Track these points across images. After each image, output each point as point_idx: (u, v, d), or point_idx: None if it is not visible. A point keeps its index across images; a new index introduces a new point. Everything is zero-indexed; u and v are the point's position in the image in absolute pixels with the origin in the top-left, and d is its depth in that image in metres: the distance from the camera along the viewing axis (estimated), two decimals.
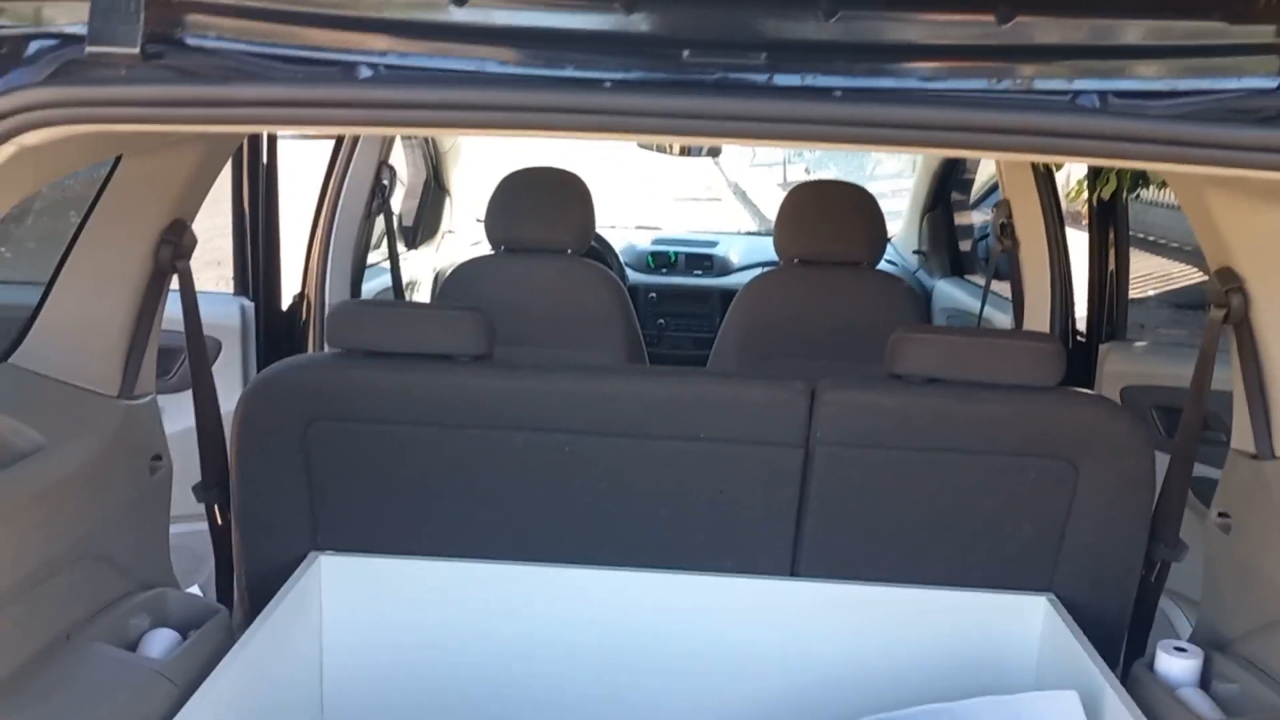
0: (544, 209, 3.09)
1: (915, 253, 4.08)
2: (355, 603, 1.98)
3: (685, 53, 0.92)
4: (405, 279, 3.40)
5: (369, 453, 1.94)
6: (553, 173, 3.14)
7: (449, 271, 3.38)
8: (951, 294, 3.74)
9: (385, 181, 2.95)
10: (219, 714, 1.55)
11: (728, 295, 3.42)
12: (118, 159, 1.66)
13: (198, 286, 1.87)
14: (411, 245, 3.94)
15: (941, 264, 3.92)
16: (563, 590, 1.95)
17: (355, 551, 1.97)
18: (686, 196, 8.85)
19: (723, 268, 4.13)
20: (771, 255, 3.44)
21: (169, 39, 0.86)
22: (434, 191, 4.00)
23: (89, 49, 0.84)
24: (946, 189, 3.93)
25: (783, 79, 0.96)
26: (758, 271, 3.60)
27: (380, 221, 3.13)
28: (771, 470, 1.89)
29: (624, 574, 1.93)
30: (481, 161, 4.45)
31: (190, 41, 0.87)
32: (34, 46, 0.88)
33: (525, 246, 3.08)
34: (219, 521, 2.00)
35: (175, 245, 1.75)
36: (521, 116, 0.91)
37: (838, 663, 1.92)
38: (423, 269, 3.81)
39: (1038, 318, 2.81)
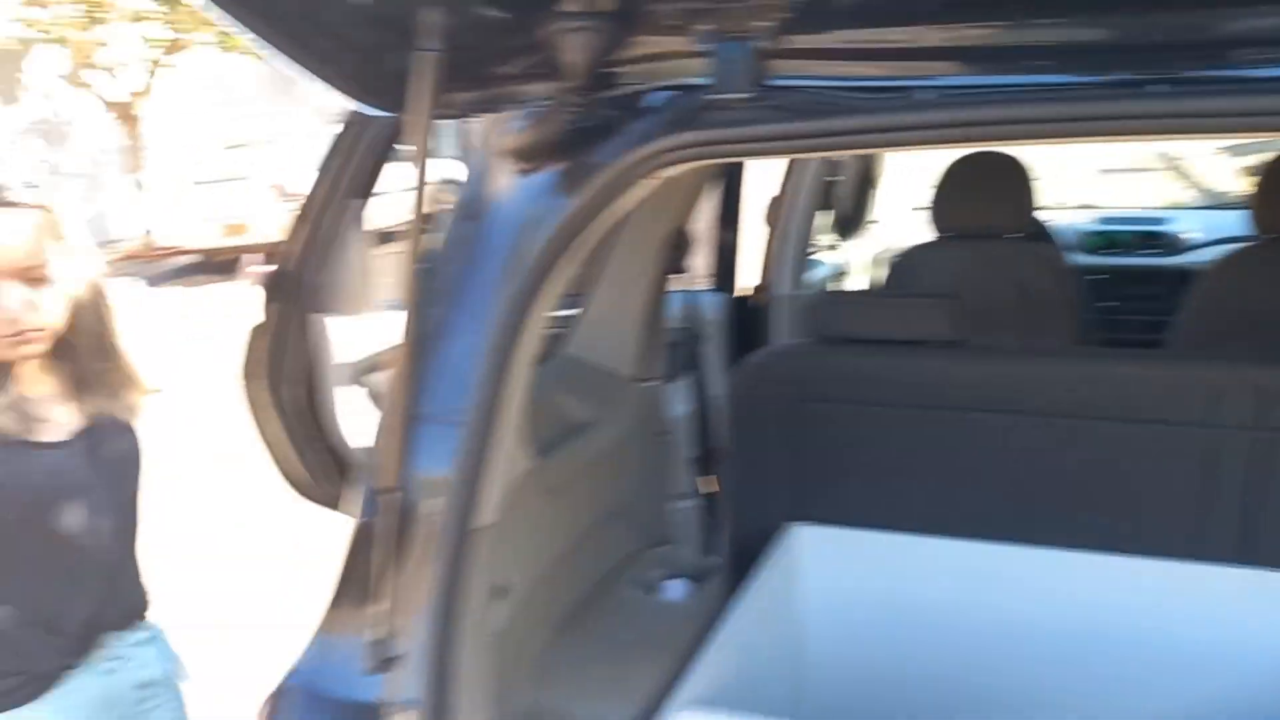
0: (985, 193, 3.10)
1: None
2: (833, 573, 2.15)
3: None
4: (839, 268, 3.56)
5: (847, 432, 2.10)
6: (993, 156, 3.14)
7: (886, 258, 3.48)
8: None
9: (831, 179, 3.11)
10: (726, 654, 1.78)
11: (1184, 275, 3.24)
12: None
13: None
14: (845, 236, 4.09)
15: None
16: (1036, 571, 1.99)
17: (833, 524, 2.14)
18: (1112, 168, 8.29)
19: (1174, 245, 3.89)
20: (1232, 230, 3.21)
21: (770, 84, 1.04)
22: (862, 182, 4.12)
23: (706, 97, 1.04)
24: None
25: None
26: (1220, 250, 3.37)
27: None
28: (1225, 454, 1.83)
29: (1081, 556, 1.94)
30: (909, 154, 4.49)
31: (784, 84, 1.05)
32: (655, 99, 1.11)
33: (968, 231, 3.11)
34: (712, 491, 2.26)
35: (679, 247, 2.02)
36: (1070, 126, 1.01)
37: None
38: (853, 258, 3.95)
39: None
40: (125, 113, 14.63)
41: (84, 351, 1.56)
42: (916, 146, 0.97)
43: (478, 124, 1.24)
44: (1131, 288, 3.79)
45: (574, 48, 1.03)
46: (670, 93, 1.10)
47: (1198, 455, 1.88)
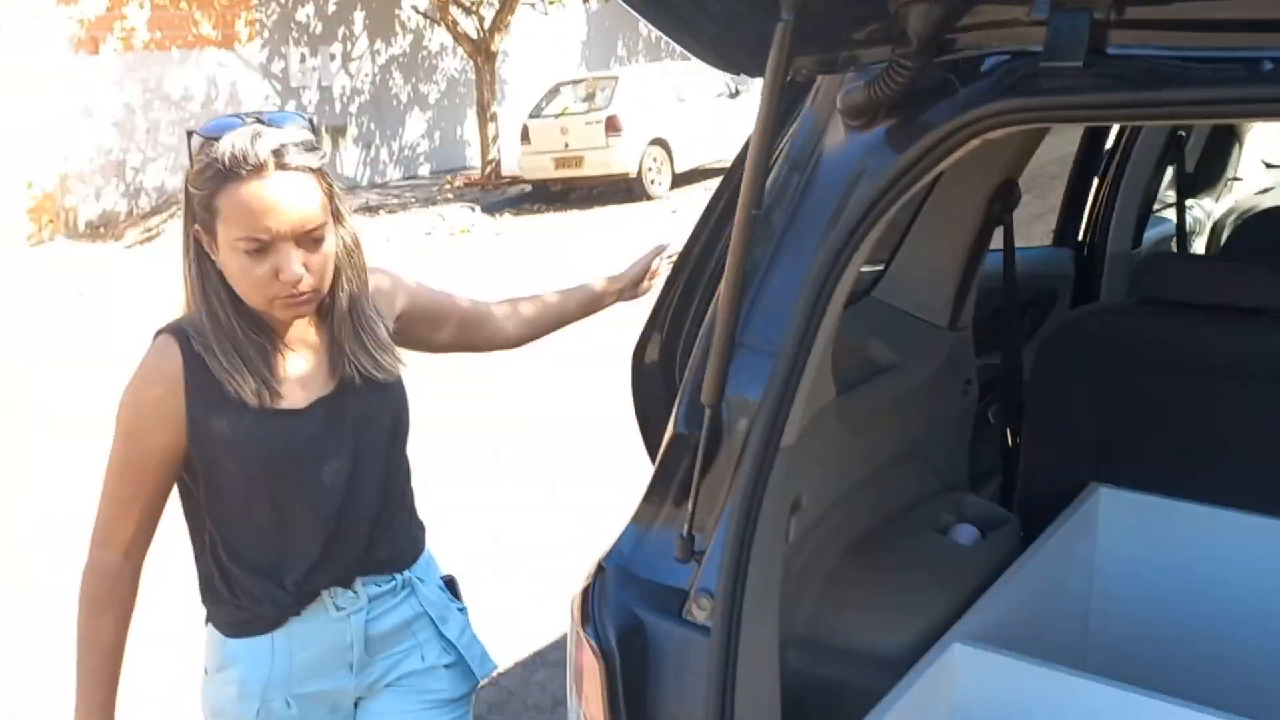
0: None
1: None
2: (1130, 536, 2.12)
3: None
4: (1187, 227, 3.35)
5: (1161, 399, 2.05)
6: None
7: (1234, 219, 3.26)
8: None
9: (1182, 133, 2.95)
10: (1011, 599, 1.82)
11: None
12: None
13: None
14: (1190, 193, 3.83)
15: None
16: None
17: (1135, 489, 2.11)
18: None
19: None
20: None
21: (1102, 52, 1.07)
22: (1222, 137, 3.83)
23: (1043, 64, 1.09)
24: None
25: None
26: None
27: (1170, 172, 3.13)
28: None
29: None
30: None
31: (1117, 53, 1.08)
32: (992, 63, 1.17)
33: None
34: (1010, 443, 2.28)
35: (1005, 201, 2.03)
36: None
37: None
38: (1202, 220, 3.70)
39: None
40: (482, 48, 15.73)
41: (340, 315, 1.58)
42: (1254, 119, 0.97)
43: (818, 83, 1.35)
44: None
45: (917, 15, 1.11)
46: (1004, 59, 1.16)
47: None
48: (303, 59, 17.10)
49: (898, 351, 1.96)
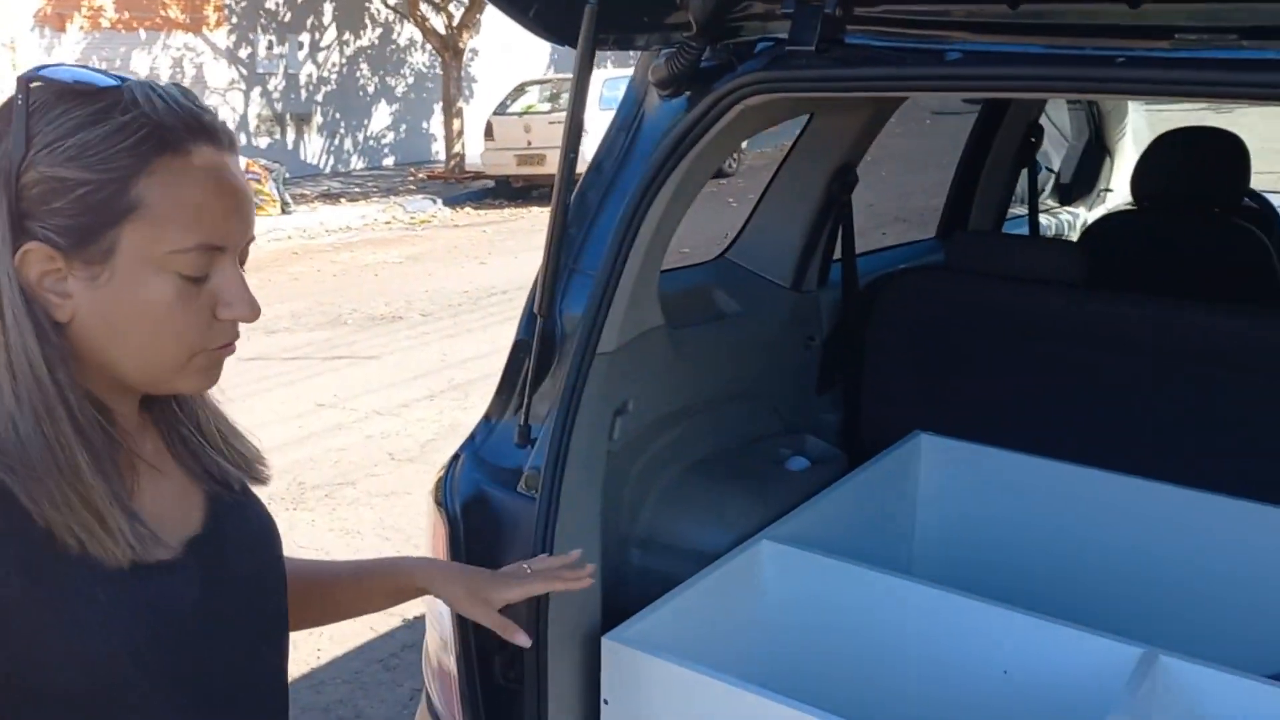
0: (1191, 165, 3.20)
1: None
2: (947, 478, 2.45)
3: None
4: (1052, 232, 3.72)
5: (970, 354, 2.39)
6: (1207, 131, 3.23)
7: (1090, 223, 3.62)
8: None
9: (1033, 140, 3.31)
10: (829, 517, 2.14)
11: None
12: (811, 116, 2.31)
13: None
14: (1066, 201, 4.21)
15: None
16: (1129, 498, 2.21)
17: (953, 436, 2.44)
18: None
19: None
20: None
21: (835, 39, 1.40)
22: (1094, 150, 4.21)
23: (788, 48, 1.42)
24: None
25: None
26: None
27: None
28: None
29: (1192, 494, 2.13)
30: (1149, 124, 4.51)
31: (846, 40, 1.41)
32: (760, 47, 1.50)
33: (1167, 201, 3.22)
34: (850, 395, 2.61)
35: (842, 182, 2.36)
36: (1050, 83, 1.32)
37: None
38: (1072, 222, 4.07)
39: None
40: (450, 45, 16.01)
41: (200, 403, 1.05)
42: (923, 92, 1.30)
43: (638, 60, 1.67)
44: None
45: (697, 5, 1.44)
46: (769, 43, 1.49)
47: None
48: (270, 46, 17.29)
49: (742, 304, 2.28)
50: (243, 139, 16.17)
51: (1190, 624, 2.16)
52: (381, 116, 19.08)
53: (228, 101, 16.57)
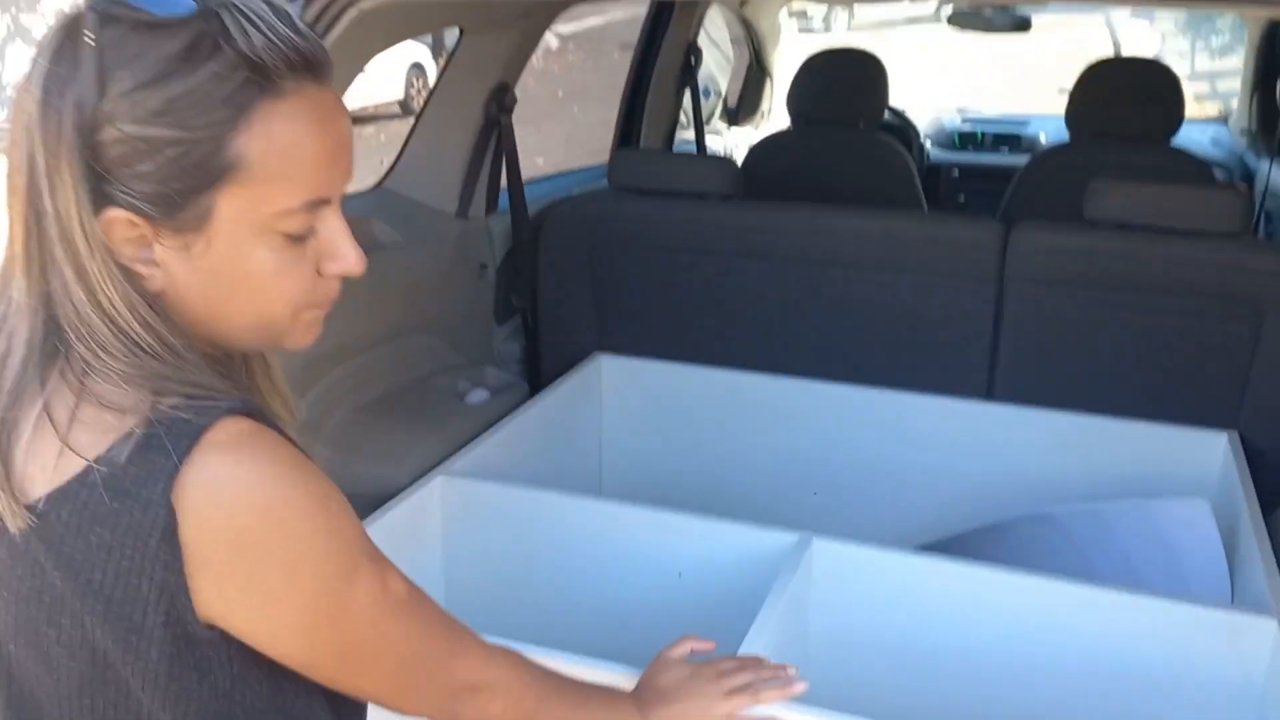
0: (838, 85, 3.38)
1: (1242, 133, 3.92)
2: (628, 395, 2.48)
3: None
4: (721, 153, 3.83)
5: (639, 273, 2.41)
6: (850, 52, 3.42)
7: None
8: (1275, 176, 3.59)
9: (692, 61, 3.38)
10: (512, 445, 2.10)
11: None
12: (462, 34, 2.22)
13: None
14: (733, 123, 4.35)
15: (1269, 145, 3.75)
16: (792, 397, 2.33)
17: (630, 354, 2.47)
18: (1008, 79, 8.58)
19: (1030, 147, 4.18)
20: None
21: None
22: (755, 74, 4.37)
23: None
24: (1275, 65, 3.73)
25: None
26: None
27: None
28: (970, 303, 2.15)
29: (842, 388, 2.28)
30: (803, 50, 4.73)
31: None
32: None
33: (819, 119, 3.39)
34: (530, 323, 2.58)
35: (499, 102, 2.30)
36: None
37: (1022, 479, 2.17)
38: (740, 144, 4.22)
39: None
40: None
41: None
42: None
43: None
44: (985, 183, 4.08)
45: None
46: None
47: (950, 301, 2.20)
48: None
49: (404, 234, 2.18)
50: None
51: (855, 509, 2.32)
52: None
53: None
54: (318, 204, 0.80)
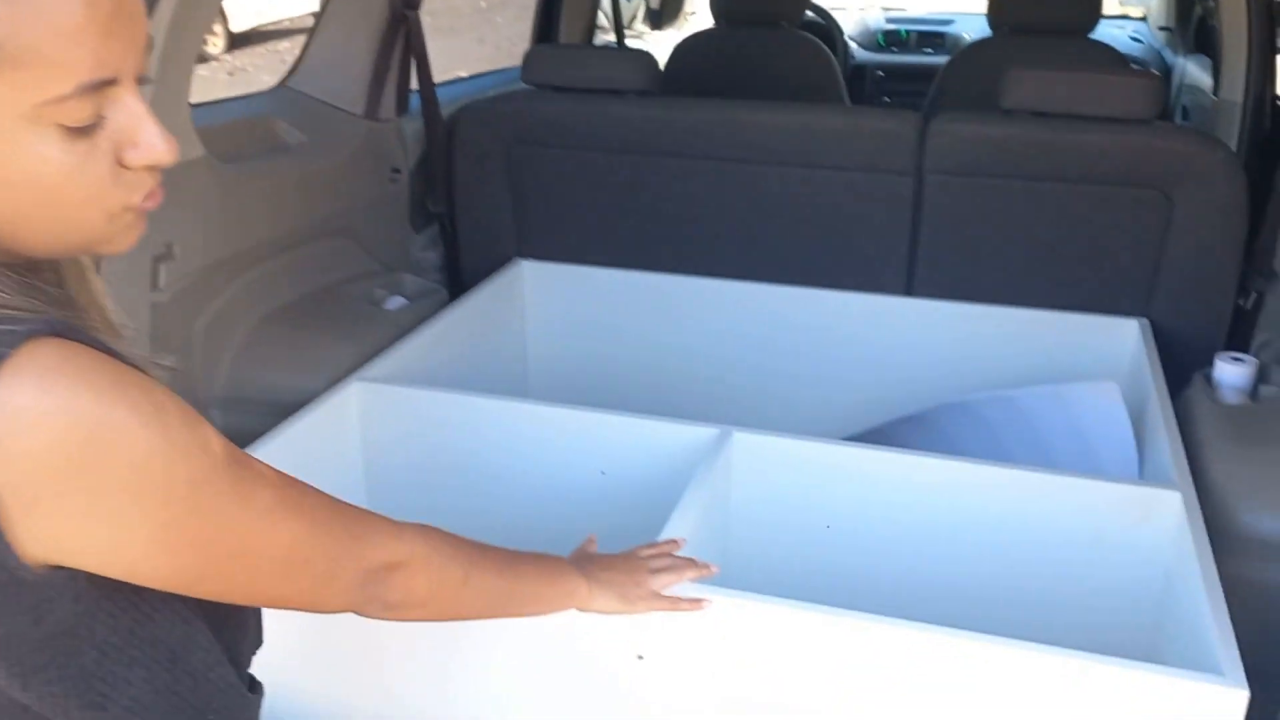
0: None
1: (1160, 29, 3.94)
2: (550, 300, 2.44)
3: None
4: None
5: (556, 173, 2.36)
6: None
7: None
8: (1190, 71, 3.63)
9: None
10: (431, 351, 2.06)
11: None
12: None
13: None
14: (656, 26, 4.27)
15: (1185, 41, 3.78)
16: (713, 298, 2.31)
17: (551, 259, 2.43)
18: None
19: (954, 46, 4.16)
20: None
21: None
22: None
23: None
24: None
25: None
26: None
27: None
28: (889, 196, 2.14)
29: (764, 287, 2.27)
30: None
31: None
32: None
33: (741, 18, 3.33)
34: (448, 229, 2.52)
35: (408, 3, 2.20)
36: None
37: (942, 371, 2.19)
38: (664, 48, 4.14)
39: (1232, 83, 2.77)
40: None
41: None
42: None
43: None
44: (909, 83, 4.06)
45: None
46: None
47: (870, 196, 2.18)
48: None
49: (309, 135, 2.10)
50: None
51: (778, 405, 2.32)
52: None
53: None
54: (99, 86, 0.68)
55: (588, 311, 2.43)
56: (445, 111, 2.45)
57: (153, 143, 0.72)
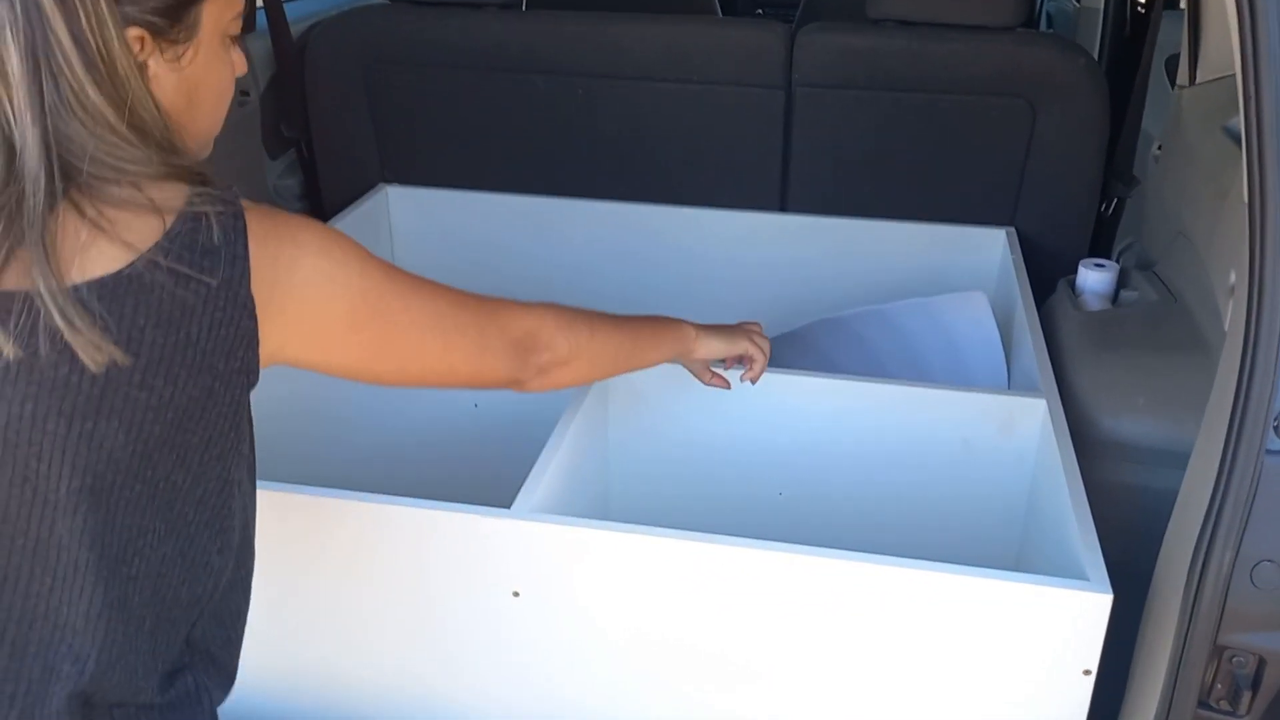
0: None
1: None
2: (417, 225, 2.35)
3: None
4: None
5: (418, 94, 2.25)
6: None
7: None
8: None
9: None
10: None
11: None
12: None
13: None
14: None
15: None
16: (585, 219, 2.26)
17: (416, 183, 2.33)
18: None
19: None
20: None
21: None
22: None
23: None
24: None
25: None
26: None
27: None
28: (760, 111, 2.10)
29: (637, 207, 2.22)
30: None
31: None
32: None
33: None
34: (306, 154, 2.40)
35: None
36: None
37: (816, 287, 2.19)
38: None
39: None
40: None
41: None
42: None
43: None
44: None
45: None
46: None
47: (741, 111, 2.13)
48: None
49: None
50: None
51: None
52: None
53: None
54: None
55: (457, 236, 2.35)
56: (295, 29, 2.31)
57: (243, 53, 0.92)
